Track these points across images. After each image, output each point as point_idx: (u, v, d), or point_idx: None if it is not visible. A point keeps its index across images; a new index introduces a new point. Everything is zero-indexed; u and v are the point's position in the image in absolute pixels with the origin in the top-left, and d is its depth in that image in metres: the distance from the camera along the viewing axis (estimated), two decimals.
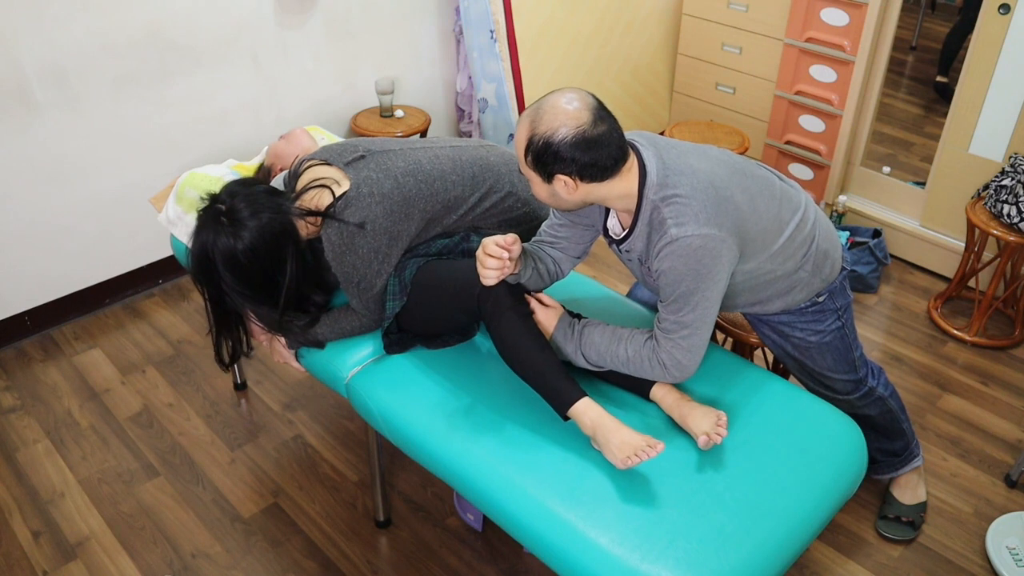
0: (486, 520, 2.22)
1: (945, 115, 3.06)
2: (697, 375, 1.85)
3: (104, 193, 2.86)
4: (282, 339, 2.04)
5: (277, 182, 2.05)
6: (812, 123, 3.49)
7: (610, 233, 1.76)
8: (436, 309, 1.91)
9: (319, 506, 2.31)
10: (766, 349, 2.31)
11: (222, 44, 2.90)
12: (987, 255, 3.00)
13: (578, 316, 1.87)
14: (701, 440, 1.67)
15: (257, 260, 1.79)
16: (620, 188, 1.61)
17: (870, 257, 3.12)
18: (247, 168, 2.44)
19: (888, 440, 2.18)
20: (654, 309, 2.09)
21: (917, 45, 4.75)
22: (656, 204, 1.60)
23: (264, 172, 2.39)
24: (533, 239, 1.89)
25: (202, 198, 1.84)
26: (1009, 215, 2.68)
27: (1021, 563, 2.10)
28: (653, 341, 1.69)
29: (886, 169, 3.43)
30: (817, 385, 2.05)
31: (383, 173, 1.88)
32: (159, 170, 2.95)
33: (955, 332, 2.93)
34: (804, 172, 3.61)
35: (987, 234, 2.76)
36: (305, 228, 1.87)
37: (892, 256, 3.35)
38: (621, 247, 1.73)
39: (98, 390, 2.70)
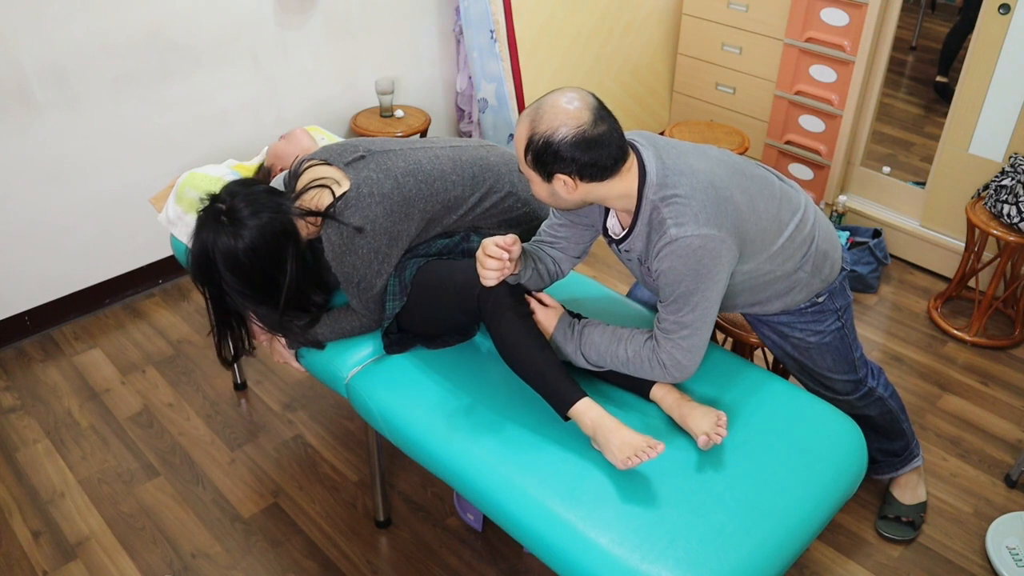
0: (486, 520, 2.22)
1: (945, 115, 3.06)
2: (697, 375, 1.85)
3: (104, 193, 2.86)
4: (282, 339, 2.04)
5: (277, 182, 2.05)
6: (812, 123, 3.49)
7: (610, 233, 1.76)
8: (436, 309, 1.91)
9: (319, 506, 2.31)
10: (766, 349, 2.31)
11: (222, 44, 2.90)
12: (987, 255, 3.00)
13: (578, 316, 1.87)
14: (701, 440, 1.67)
15: (258, 259, 1.79)
16: (620, 188, 1.61)
17: (870, 257, 3.12)
18: (247, 168, 2.44)
19: (888, 440, 2.18)
20: (654, 309, 2.09)
21: (917, 45, 4.75)
22: (656, 204, 1.60)
23: (264, 172, 2.39)
24: (533, 239, 1.89)
25: (202, 199, 1.84)
26: (1009, 215, 2.68)
27: (1021, 563, 2.10)
28: (653, 341, 1.69)
29: (886, 169, 3.43)
30: (817, 385, 2.05)
31: (383, 173, 1.88)
32: (159, 170, 2.95)
33: (955, 332, 2.93)
34: (804, 172, 3.61)
35: (987, 234, 2.76)
36: (305, 228, 1.87)
37: (892, 256, 3.35)
38: (620, 247, 1.73)
39: (98, 390, 2.70)
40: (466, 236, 2.01)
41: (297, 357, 2.07)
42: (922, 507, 2.26)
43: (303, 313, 1.97)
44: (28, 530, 2.24)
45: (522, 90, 3.40)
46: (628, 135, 1.66)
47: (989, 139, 2.94)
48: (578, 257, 1.88)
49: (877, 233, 3.22)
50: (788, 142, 3.60)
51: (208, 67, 2.90)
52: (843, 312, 1.93)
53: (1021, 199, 2.66)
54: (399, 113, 3.28)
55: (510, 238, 1.65)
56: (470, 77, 3.41)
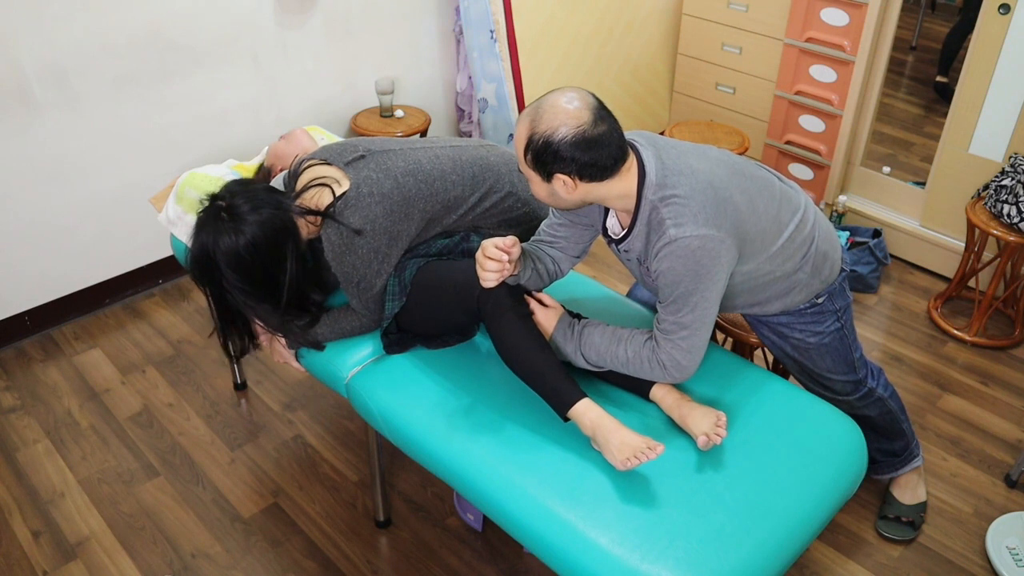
0: (486, 520, 2.22)
1: (945, 115, 3.06)
2: (697, 375, 1.85)
3: (104, 193, 2.86)
4: (282, 339, 2.04)
5: (277, 182, 2.05)
6: (812, 123, 3.49)
7: (609, 233, 1.76)
8: (436, 309, 1.91)
9: (319, 506, 2.31)
10: (766, 349, 2.31)
11: (222, 44, 2.90)
12: (987, 255, 3.00)
13: (578, 316, 1.87)
14: (701, 440, 1.67)
15: (259, 256, 1.79)
16: (619, 188, 1.61)
17: (870, 257, 3.12)
18: (247, 168, 2.44)
19: (888, 440, 2.18)
20: (654, 309, 2.09)
21: (917, 45, 4.75)
22: (655, 204, 1.60)
23: (264, 172, 2.39)
24: (532, 239, 1.89)
25: (202, 200, 1.84)
26: (1009, 215, 2.68)
27: (1021, 563, 2.10)
28: (652, 342, 1.69)
29: (886, 169, 3.43)
30: (817, 386, 2.05)
31: (383, 173, 1.88)
32: (159, 170, 2.95)
33: (955, 332, 2.93)
34: (804, 172, 3.61)
35: (987, 234, 2.76)
36: (305, 227, 1.87)
37: (892, 256, 3.35)
38: (620, 247, 1.73)
39: (98, 390, 2.70)
40: (466, 236, 2.01)
41: (297, 357, 2.07)
42: (922, 507, 2.26)
43: (303, 313, 1.97)
44: (28, 530, 2.24)
45: (522, 90, 3.40)
46: (628, 135, 1.66)
47: (989, 139, 2.94)
48: (577, 257, 1.88)
49: (877, 233, 3.22)
50: (788, 142, 3.60)
51: (208, 67, 2.90)
52: (843, 313, 1.93)
53: (1021, 199, 2.66)
54: (399, 113, 3.28)
55: (509, 240, 1.65)
56: (470, 77, 3.41)
